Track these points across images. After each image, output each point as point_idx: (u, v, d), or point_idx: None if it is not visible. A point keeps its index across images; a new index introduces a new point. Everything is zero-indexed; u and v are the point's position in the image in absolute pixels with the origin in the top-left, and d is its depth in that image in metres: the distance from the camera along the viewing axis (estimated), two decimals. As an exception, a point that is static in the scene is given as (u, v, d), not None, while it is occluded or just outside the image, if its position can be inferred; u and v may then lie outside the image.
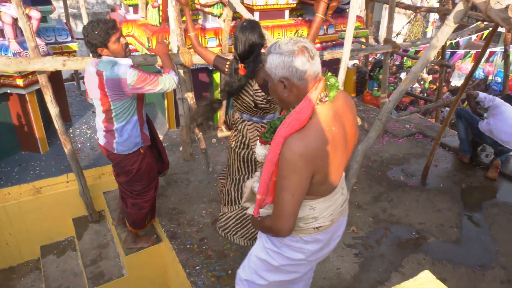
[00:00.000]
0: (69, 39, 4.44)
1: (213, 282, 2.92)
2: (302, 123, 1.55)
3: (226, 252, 3.21)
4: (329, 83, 1.62)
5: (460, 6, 1.95)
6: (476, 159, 4.55)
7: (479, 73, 9.80)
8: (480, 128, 4.24)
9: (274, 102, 2.68)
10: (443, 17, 14.60)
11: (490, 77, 11.15)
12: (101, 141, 2.84)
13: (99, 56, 2.54)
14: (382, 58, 6.51)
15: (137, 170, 2.91)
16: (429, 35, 13.82)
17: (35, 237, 3.95)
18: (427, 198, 3.93)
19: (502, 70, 9.48)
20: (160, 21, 4.47)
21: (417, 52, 7.95)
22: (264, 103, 2.67)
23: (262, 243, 1.92)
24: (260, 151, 1.87)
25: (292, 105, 1.64)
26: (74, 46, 4.44)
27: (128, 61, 2.60)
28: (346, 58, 2.91)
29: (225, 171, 3.22)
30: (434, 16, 13.30)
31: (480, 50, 9.24)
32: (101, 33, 2.42)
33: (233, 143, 2.95)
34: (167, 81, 2.65)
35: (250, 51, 2.55)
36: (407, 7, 6.56)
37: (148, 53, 4.25)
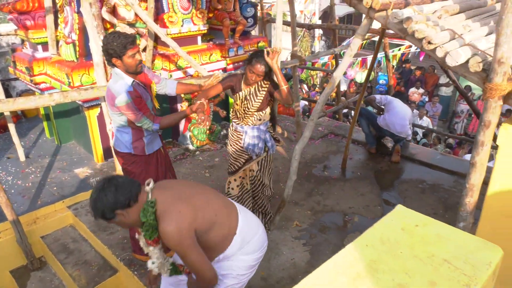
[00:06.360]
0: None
1: (182, 296, 3.04)
2: None
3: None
4: None
5: (364, 22, 2.48)
6: (381, 149, 5.32)
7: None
8: (378, 123, 5.00)
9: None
10: (327, 33, 16.36)
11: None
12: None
13: (113, 65, 2.67)
14: (289, 72, 7.19)
15: (125, 169, 3.04)
16: (317, 48, 15.35)
17: (-32, 300, 3.59)
18: (351, 186, 4.52)
19: (384, 73, 11.01)
20: (77, 56, 4.45)
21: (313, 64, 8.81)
22: None
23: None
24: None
25: None
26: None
27: (129, 83, 2.69)
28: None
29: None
30: (319, 32, 14.86)
31: (363, 57, 10.47)
32: (120, 46, 2.53)
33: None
34: (145, 125, 2.78)
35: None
36: (300, 25, 7.38)
37: (69, 89, 4.21)
